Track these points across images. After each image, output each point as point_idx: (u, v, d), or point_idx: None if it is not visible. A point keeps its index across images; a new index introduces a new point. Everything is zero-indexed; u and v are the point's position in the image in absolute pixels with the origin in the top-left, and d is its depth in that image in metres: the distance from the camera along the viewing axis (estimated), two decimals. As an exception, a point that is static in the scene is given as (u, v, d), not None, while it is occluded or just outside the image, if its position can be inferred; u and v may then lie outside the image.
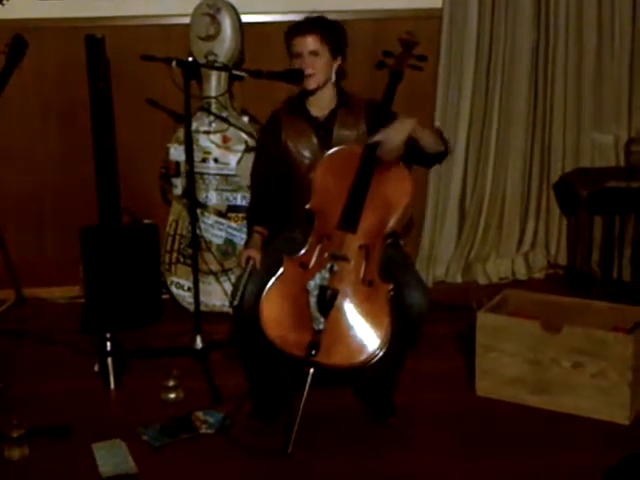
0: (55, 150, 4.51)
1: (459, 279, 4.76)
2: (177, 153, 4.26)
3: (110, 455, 3.17)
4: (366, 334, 3.10)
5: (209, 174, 4.29)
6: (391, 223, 3.23)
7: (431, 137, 3.28)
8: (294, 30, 3.35)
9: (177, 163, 4.28)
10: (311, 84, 3.34)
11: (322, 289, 3.13)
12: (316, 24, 3.34)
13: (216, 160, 4.28)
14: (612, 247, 4.57)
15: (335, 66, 3.37)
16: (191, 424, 3.34)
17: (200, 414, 3.39)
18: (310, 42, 3.31)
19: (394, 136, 3.14)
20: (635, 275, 4.55)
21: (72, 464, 3.14)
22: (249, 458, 3.17)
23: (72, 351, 4.00)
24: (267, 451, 3.16)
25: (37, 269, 4.58)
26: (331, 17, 3.42)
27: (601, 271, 4.59)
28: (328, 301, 3.10)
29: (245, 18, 4.28)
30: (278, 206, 3.48)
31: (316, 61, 3.31)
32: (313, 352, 3.05)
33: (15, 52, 4.28)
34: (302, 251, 3.23)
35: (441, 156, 3.39)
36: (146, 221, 4.44)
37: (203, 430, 3.32)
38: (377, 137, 3.15)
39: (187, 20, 4.27)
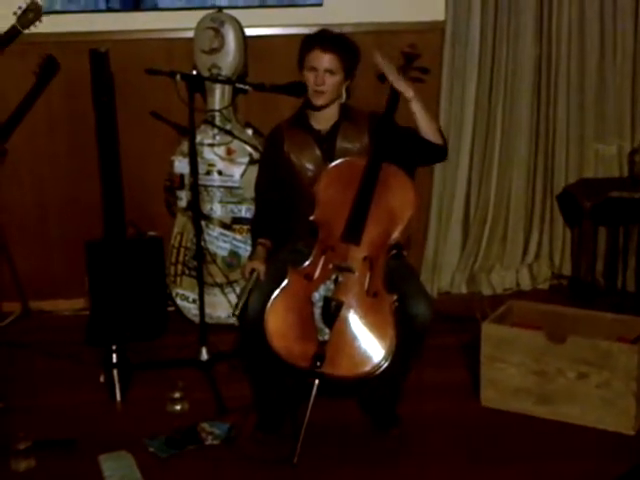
0: (60, 163, 4.52)
1: (464, 290, 4.76)
2: (181, 166, 4.27)
3: (117, 467, 3.18)
4: (371, 345, 3.10)
5: (213, 186, 4.29)
6: (395, 235, 3.22)
7: (428, 118, 3.26)
8: (314, 43, 3.31)
9: (181, 176, 4.29)
10: (320, 101, 3.32)
11: (327, 300, 3.13)
12: (338, 44, 3.30)
13: (220, 172, 4.28)
14: (616, 258, 4.57)
15: (345, 86, 3.37)
16: (197, 435, 3.34)
17: (206, 425, 3.38)
18: (328, 60, 3.27)
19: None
20: (638, 286, 4.54)
21: (79, 476, 3.16)
22: (255, 469, 3.17)
23: (78, 363, 4.01)
24: (273, 462, 3.16)
25: (43, 282, 4.59)
26: (334, 30, 3.41)
27: (605, 282, 4.60)
28: (333, 312, 3.10)
29: (249, 31, 4.29)
30: (282, 218, 3.47)
31: (330, 79, 3.28)
32: (318, 363, 3.04)
33: (46, 73, 4.28)
34: (306, 262, 3.23)
35: (440, 152, 3.35)
36: (151, 234, 4.45)
37: (209, 441, 3.32)
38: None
39: (191, 34, 4.28)
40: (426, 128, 3.24)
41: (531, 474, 3.11)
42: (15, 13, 3.54)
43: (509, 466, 3.16)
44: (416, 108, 3.22)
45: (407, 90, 3.22)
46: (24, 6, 3.56)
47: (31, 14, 3.58)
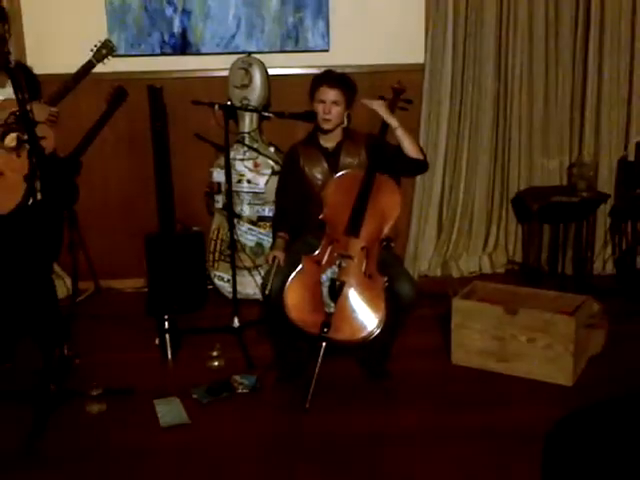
0: (124, 173, 4.52)
1: (438, 273, 4.74)
2: (218, 175, 4.27)
3: (168, 409, 3.21)
4: (366, 316, 3.13)
5: (243, 192, 4.29)
6: (386, 230, 3.26)
7: (410, 140, 3.28)
8: (323, 80, 3.32)
9: (218, 183, 4.28)
10: (328, 126, 3.33)
11: (332, 281, 3.15)
12: (341, 81, 3.32)
13: (249, 181, 4.28)
14: (557, 248, 4.57)
15: (346, 114, 3.37)
16: (230, 385, 3.36)
17: (237, 378, 3.40)
18: (334, 94, 3.29)
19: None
20: (575, 270, 4.54)
21: (139, 416, 3.17)
22: (276, 412, 3.21)
23: (138, 329, 4.01)
24: (290, 406, 3.19)
25: (111, 266, 4.59)
26: (338, 70, 3.43)
27: (548, 267, 4.60)
28: (337, 290, 3.13)
29: (271, 71, 4.28)
30: (297, 217, 3.48)
31: (335, 109, 3.30)
32: (325, 330, 3.08)
33: (116, 100, 4.26)
34: (316, 252, 3.25)
35: (421, 165, 3.35)
36: (194, 229, 4.45)
37: (240, 390, 3.34)
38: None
39: (226, 73, 4.28)
40: (409, 148, 3.27)
41: (492, 416, 3.12)
42: (92, 50, 3.55)
43: (474, 410, 3.18)
44: (400, 134, 3.27)
45: (393, 122, 3.27)
46: (99, 44, 3.56)
47: (104, 50, 3.58)
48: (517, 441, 2.90)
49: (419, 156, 3.30)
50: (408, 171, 3.43)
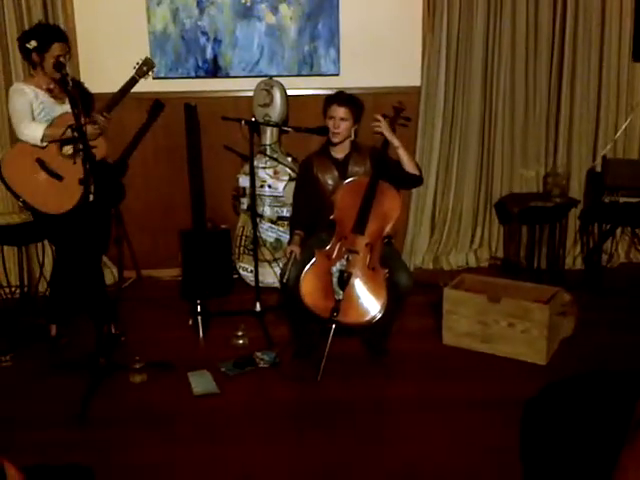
0: (163, 178, 4.53)
1: (431, 266, 4.73)
2: (244, 181, 4.26)
3: (200, 380, 3.22)
4: (370, 302, 3.14)
5: (265, 195, 4.29)
6: (387, 229, 3.26)
7: (409, 158, 3.29)
8: (334, 100, 3.32)
9: (244, 188, 4.28)
10: (337, 139, 3.33)
11: (341, 272, 3.16)
12: (348, 100, 3.31)
13: (269, 186, 4.27)
14: (534, 246, 4.56)
15: (353, 129, 3.36)
16: (253, 361, 3.38)
17: (259, 354, 3.41)
18: (342, 111, 3.28)
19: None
20: (549, 265, 4.53)
21: (175, 386, 3.19)
22: (292, 383, 3.21)
23: (174, 312, 4.02)
24: (304, 378, 3.21)
25: (151, 257, 4.59)
26: (348, 92, 3.42)
27: (526, 262, 4.59)
28: (345, 280, 3.14)
29: (290, 92, 4.28)
30: (311, 217, 3.48)
31: (343, 124, 3.29)
32: (335, 314, 3.09)
33: (154, 112, 4.28)
34: (327, 247, 3.25)
35: (417, 180, 3.35)
36: (223, 226, 4.44)
37: (261, 365, 3.36)
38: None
39: (251, 93, 4.28)
40: (407, 164, 3.28)
41: (476, 389, 3.14)
42: (134, 67, 3.55)
43: (461, 383, 3.20)
44: (401, 152, 3.27)
45: (395, 142, 3.27)
46: (140, 61, 3.55)
47: (145, 67, 3.56)
48: (498, 409, 2.91)
49: (415, 172, 3.30)
50: (405, 184, 3.41)
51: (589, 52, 4.43)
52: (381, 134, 3.27)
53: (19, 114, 3.24)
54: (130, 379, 3.23)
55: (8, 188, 3.27)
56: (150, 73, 3.57)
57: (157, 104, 4.27)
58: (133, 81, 3.53)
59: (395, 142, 3.27)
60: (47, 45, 3.24)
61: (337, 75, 4.42)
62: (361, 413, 2.96)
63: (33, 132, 3.21)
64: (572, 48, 4.42)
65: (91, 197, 3.30)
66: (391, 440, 2.77)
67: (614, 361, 3.26)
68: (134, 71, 3.54)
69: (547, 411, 2.93)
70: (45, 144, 3.24)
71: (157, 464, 2.64)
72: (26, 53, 3.31)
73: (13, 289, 4.23)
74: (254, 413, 2.98)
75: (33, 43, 3.25)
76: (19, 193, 3.25)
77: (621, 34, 4.41)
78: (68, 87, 3.06)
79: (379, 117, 3.27)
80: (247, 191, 4.21)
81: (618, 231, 4.65)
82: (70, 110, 3.12)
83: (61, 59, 3.20)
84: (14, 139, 3.62)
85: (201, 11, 4.30)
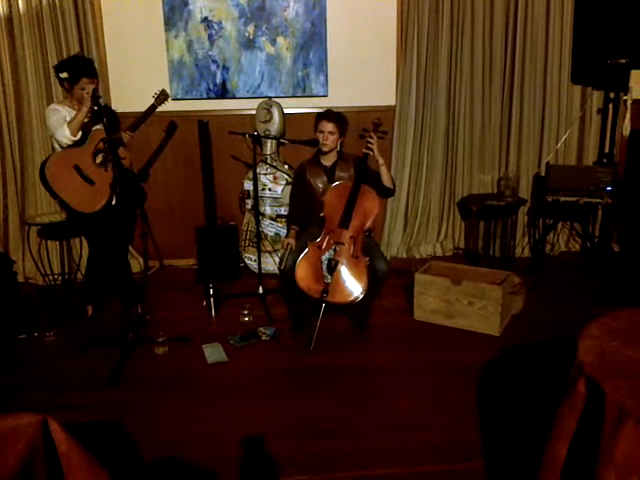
0: (181, 183, 4.50)
1: (404, 255, 4.73)
2: (248, 185, 4.25)
3: (212, 351, 3.23)
4: (354, 285, 3.14)
5: (266, 197, 4.26)
6: (368, 224, 3.26)
7: (388, 174, 3.29)
8: (323, 117, 3.31)
9: (248, 191, 4.27)
10: (325, 149, 3.33)
11: (329, 260, 3.17)
12: (335, 117, 3.29)
13: (270, 189, 4.25)
14: (489, 238, 4.58)
15: (339, 141, 3.35)
16: (257, 334, 3.38)
17: (262, 329, 3.42)
18: (330, 126, 3.28)
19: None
20: (502, 254, 4.54)
21: (192, 356, 3.20)
22: (289, 353, 3.22)
23: (190, 294, 4.02)
24: (299, 349, 3.22)
25: (171, 249, 4.57)
26: (336, 110, 3.42)
27: (483, 251, 4.61)
28: (333, 267, 3.15)
29: (286, 110, 4.26)
30: (304, 214, 3.47)
31: (331, 137, 3.29)
32: (324, 295, 3.11)
33: (170, 131, 4.26)
34: (318, 239, 3.26)
35: (390, 192, 3.36)
36: (231, 223, 4.42)
37: (264, 338, 3.36)
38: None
39: (254, 111, 4.26)
40: (385, 178, 3.28)
41: (442, 357, 3.15)
42: (153, 96, 3.54)
43: (429, 352, 3.21)
44: (383, 169, 3.27)
45: (380, 159, 3.26)
46: (158, 92, 3.56)
47: (162, 96, 3.58)
48: (460, 372, 2.95)
49: (390, 185, 3.31)
50: (380, 194, 3.36)
51: (535, 76, 4.44)
52: (372, 151, 3.25)
53: (54, 125, 3.23)
54: (154, 351, 3.23)
55: (48, 188, 3.21)
56: (166, 102, 3.61)
57: (172, 125, 4.25)
58: (152, 108, 3.56)
59: (380, 160, 3.26)
60: (77, 78, 3.22)
61: (326, 96, 4.40)
62: (348, 376, 2.97)
63: (64, 132, 3.19)
64: (521, 72, 4.42)
65: (116, 199, 3.31)
66: (375, 397, 2.78)
67: (556, 332, 3.29)
68: (153, 100, 3.55)
69: (501, 374, 2.96)
70: (77, 136, 3.21)
71: (177, 420, 2.64)
72: (60, 80, 3.30)
73: (56, 276, 4.21)
74: (258, 377, 2.99)
75: (64, 74, 3.23)
76: (57, 192, 3.21)
77: (561, 61, 4.41)
78: (100, 109, 3.08)
79: (373, 136, 3.26)
80: (251, 193, 4.21)
81: (559, 225, 4.68)
82: (101, 127, 3.12)
83: (89, 91, 3.14)
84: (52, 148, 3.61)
85: (212, 43, 4.28)
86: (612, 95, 4.42)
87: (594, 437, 1.46)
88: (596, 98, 4.52)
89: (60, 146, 3.28)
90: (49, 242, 4.11)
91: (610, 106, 4.46)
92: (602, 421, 1.44)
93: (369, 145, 3.25)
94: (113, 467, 1.69)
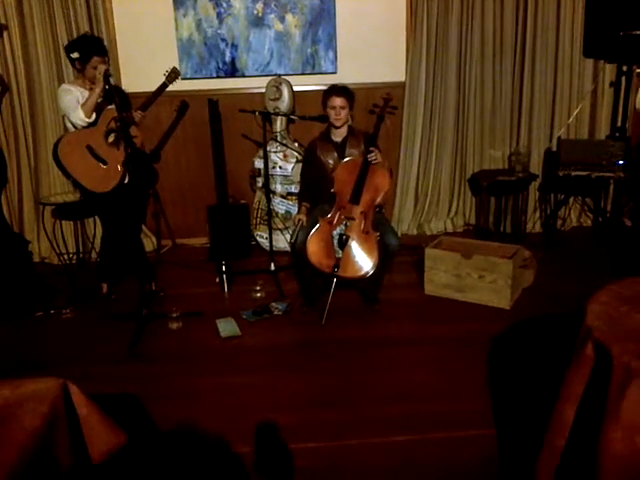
0: (192, 162, 4.52)
1: (415, 232, 4.73)
2: (259, 163, 4.26)
3: (226, 326, 3.27)
4: (364, 260, 3.16)
5: (276, 175, 4.28)
6: (378, 199, 3.25)
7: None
8: (331, 92, 3.31)
9: (259, 169, 4.28)
10: (339, 123, 3.32)
11: (340, 235, 3.18)
12: (343, 91, 3.30)
13: (280, 167, 4.27)
14: (500, 214, 4.58)
15: (350, 114, 3.36)
16: (269, 309, 3.41)
17: (274, 304, 3.45)
18: (340, 101, 3.28)
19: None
20: (513, 229, 4.54)
21: (206, 330, 3.24)
22: (301, 327, 3.26)
23: (203, 272, 4.05)
24: (311, 322, 3.25)
25: (183, 228, 4.61)
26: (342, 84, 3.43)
27: (494, 227, 4.61)
28: (344, 242, 3.16)
29: (296, 88, 4.26)
30: (315, 191, 3.48)
31: (342, 112, 3.29)
32: (335, 270, 3.12)
33: (182, 111, 4.28)
34: (329, 215, 3.26)
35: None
36: (242, 201, 4.45)
37: (276, 312, 3.39)
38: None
39: (263, 89, 4.27)
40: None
41: (454, 329, 3.17)
42: (164, 74, 3.55)
43: (441, 324, 3.23)
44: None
45: (376, 162, 3.22)
46: (169, 70, 3.56)
47: (173, 74, 3.57)
48: (471, 345, 2.97)
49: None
50: None
51: (546, 49, 4.39)
52: (377, 164, 3.23)
53: (68, 107, 3.25)
54: (169, 326, 3.27)
55: (61, 167, 3.23)
56: (177, 80, 3.58)
57: (183, 104, 4.26)
58: (164, 86, 3.54)
59: (386, 163, 3.29)
60: (88, 57, 3.23)
61: (335, 73, 4.38)
62: (359, 349, 3.00)
63: (78, 115, 3.21)
64: (532, 45, 4.37)
65: (126, 179, 3.34)
66: (385, 369, 2.81)
67: (566, 305, 3.28)
68: (164, 78, 3.54)
69: (511, 346, 2.98)
70: (92, 118, 3.23)
71: (192, 392, 2.69)
72: (71, 61, 3.32)
73: (71, 255, 4.27)
74: (270, 350, 3.03)
75: (75, 54, 3.24)
76: (70, 172, 3.23)
77: (573, 34, 4.36)
78: (111, 88, 3.10)
79: (375, 151, 3.22)
80: (262, 172, 4.20)
81: (571, 200, 4.66)
82: (112, 106, 3.14)
83: (100, 71, 3.15)
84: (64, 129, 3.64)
85: (220, 21, 4.27)
86: (625, 68, 4.35)
87: (601, 399, 1.48)
88: (609, 71, 4.47)
89: (74, 126, 3.31)
90: (63, 222, 4.16)
91: (623, 79, 4.39)
92: (609, 383, 1.46)
93: (373, 159, 3.21)
94: (131, 434, 1.74)
